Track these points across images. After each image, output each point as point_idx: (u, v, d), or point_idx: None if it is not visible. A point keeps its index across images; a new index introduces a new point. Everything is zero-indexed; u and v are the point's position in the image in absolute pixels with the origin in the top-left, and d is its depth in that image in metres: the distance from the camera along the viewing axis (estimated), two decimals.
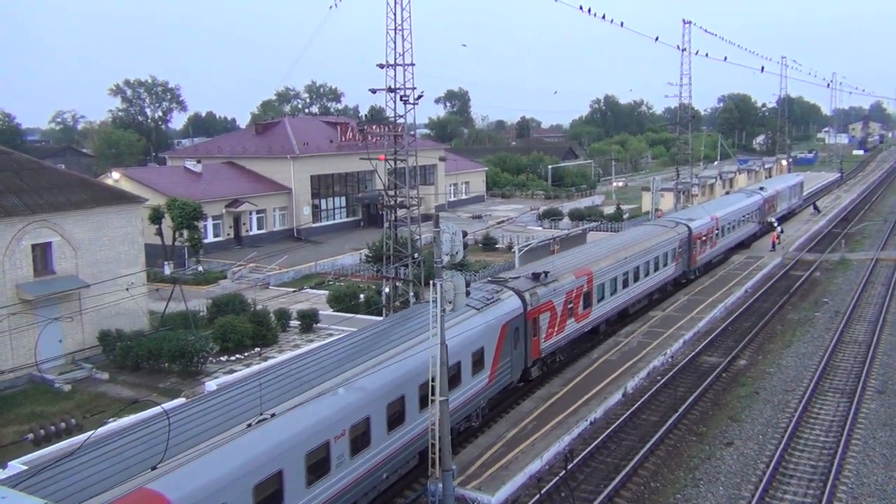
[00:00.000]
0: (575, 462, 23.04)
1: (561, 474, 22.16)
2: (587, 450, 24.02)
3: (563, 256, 35.92)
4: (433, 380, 19.83)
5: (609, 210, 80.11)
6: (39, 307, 32.97)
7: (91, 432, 16.69)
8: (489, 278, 31.52)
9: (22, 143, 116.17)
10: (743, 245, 58.75)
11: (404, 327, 23.41)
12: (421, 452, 21.73)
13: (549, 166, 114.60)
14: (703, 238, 48.13)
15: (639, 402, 27.99)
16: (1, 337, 30.82)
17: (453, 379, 22.55)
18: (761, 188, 68.08)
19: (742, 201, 59.85)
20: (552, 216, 76.43)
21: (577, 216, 75.43)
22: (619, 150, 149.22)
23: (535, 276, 29.62)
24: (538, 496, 20.99)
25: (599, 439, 24.80)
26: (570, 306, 31.22)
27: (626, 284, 36.83)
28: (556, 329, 30.19)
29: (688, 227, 45.98)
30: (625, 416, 26.75)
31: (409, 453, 21.25)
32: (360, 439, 19.02)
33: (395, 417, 20.40)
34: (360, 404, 18.95)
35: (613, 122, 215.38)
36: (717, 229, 51.06)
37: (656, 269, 40.73)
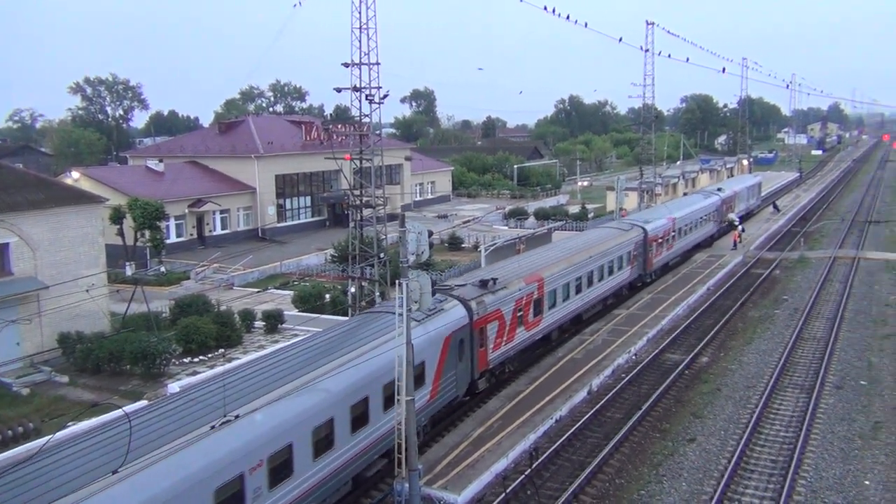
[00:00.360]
0: (540, 460, 23.17)
1: (526, 472, 22.28)
2: (553, 447, 24.17)
3: (513, 262, 34.52)
4: (399, 379, 19.79)
5: (574, 209, 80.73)
6: None
7: (49, 437, 16.38)
8: (434, 287, 30.70)
9: None
10: (700, 247, 58.26)
11: (342, 340, 21.96)
12: (355, 477, 20.93)
13: (515, 166, 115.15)
14: (660, 240, 47.29)
15: (604, 400, 28.23)
16: None
17: (390, 399, 20.97)
18: (719, 189, 67.64)
19: (699, 202, 59.29)
20: (518, 216, 76.79)
21: (542, 215, 75.87)
22: (583, 150, 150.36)
23: (483, 284, 28.38)
24: (504, 494, 21.08)
25: (565, 437, 24.96)
26: (519, 314, 29.93)
27: (578, 290, 35.76)
28: (504, 339, 28.88)
29: (643, 229, 45.07)
30: (590, 413, 26.97)
31: (341, 479, 19.95)
32: (280, 469, 17.52)
33: (324, 442, 18.91)
34: (281, 430, 17.35)
35: (578, 122, 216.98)
36: (674, 231, 50.30)
37: (610, 273, 39.70)
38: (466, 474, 22.09)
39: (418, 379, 22.78)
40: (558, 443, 24.52)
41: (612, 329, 37.09)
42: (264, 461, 16.84)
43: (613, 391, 29.16)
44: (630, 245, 42.81)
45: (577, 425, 25.92)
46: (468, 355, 26.42)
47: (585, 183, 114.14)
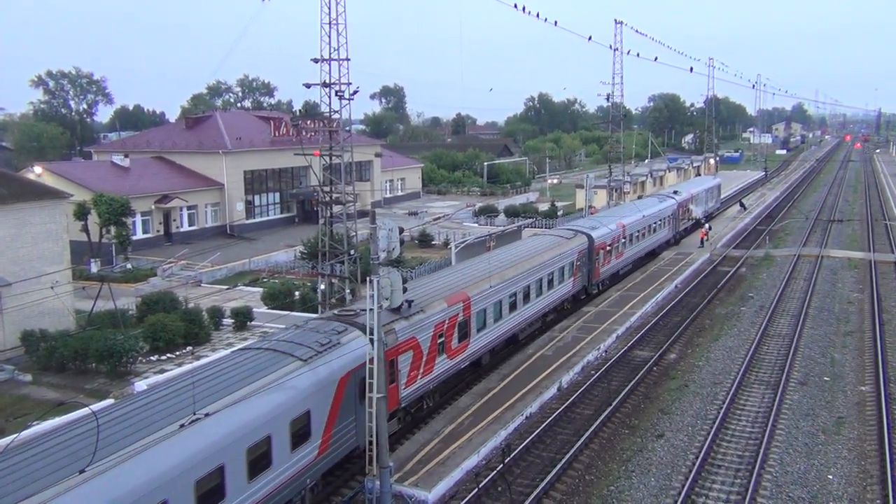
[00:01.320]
0: (511, 456, 23.26)
1: (498, 469, 22.36)
2: (523, 444, 24.29)
3: (434, 280, 30.31)
4: (370, 376, 19.74)
5: (544, 207, 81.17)
6: None
7: (14, 436, 16.07)
8: (335, 312, 25.28)
9: None
10: (654, 254, 55.79)
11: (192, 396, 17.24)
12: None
13: (485, 163, 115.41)
14: (608, 248, 44.21)
15: (573, 397, 28.43)
16: None
17: (258, 462, 17.68)
18: (675, 192, 64.72)
19: (653, 206, 56.18)
20: (488, 213, 77.01)
21: (512, 213, 76.18)
22: (553, 148, 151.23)
23: (395, 309, 24.08)
24: (476, 491, 21.12)
25: (535, 433, 25.11)
26: (440, 341, 26.30)
27: (513, 307, 32.35)
28: (421, 371, 25.18)
29: (588, 236, 41.94)
30: (560, 410, 27.14)
31: None
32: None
33: None
34: None
35: (548, 119, 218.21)
36: (625, 238, 47.31)
37: (550, 286, 36.52)
38: (437, 471, 22.11)
39: (301, 434, 19.29)
40: (529, 439, 24.65)
41: (582, 326, 37.35)
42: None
43: (583, 388, 29.38)
44: (573, 254, 39.57)
45: (547, 422, 26.07)
46: None
47: (555, 180, 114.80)
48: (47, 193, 38.24)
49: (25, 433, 18.74)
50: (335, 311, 25.76)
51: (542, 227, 63.72)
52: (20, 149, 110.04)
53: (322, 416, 20.09)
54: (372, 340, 21.44)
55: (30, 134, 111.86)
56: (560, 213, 76.65)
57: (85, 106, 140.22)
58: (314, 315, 33.31)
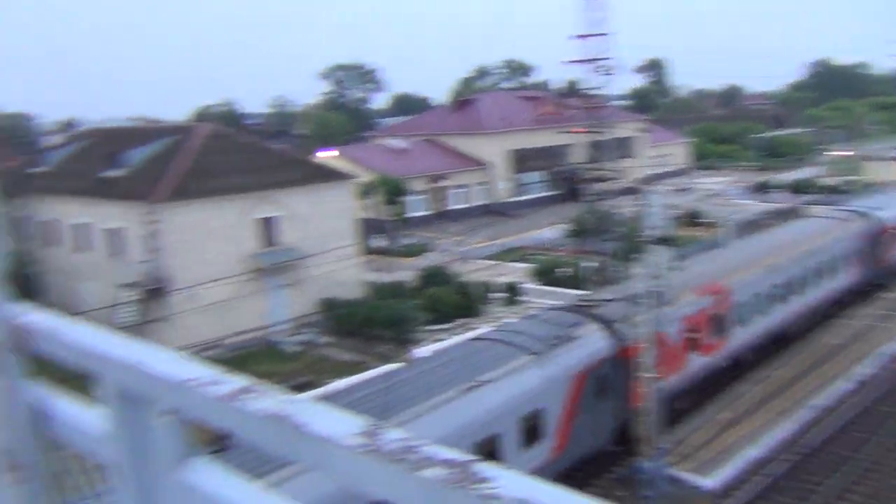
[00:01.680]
0: (800, 451, 21.68)
1: (786, 463, 20.95)
2: (814, 439, 22.49)
3: (686, 267, 26.78)
4: (643, 356, 19.39)
5: (828, 182, 73.99)
6: (267, 276, 35.96)
7: (327, 387, 18.12)
8: (575, 303, 24.23)
9: (242, 127, 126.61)
10: None
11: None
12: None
13: (759, 136, 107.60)
14: None
15: (871, 391, 25.73)
16: (239, 302, 33.95)
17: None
18: None
19: None
20: (763, 189, 71.89)
21: (791, 189, 70.38)
22: (837, 117, 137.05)
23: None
24: (762, 484, 19.97)
25: (828, 429, 23.11)
26: (692, 336, 24.30)
27: (777, 301, 28.93)
28: (670, 368, 22.83)
29: (872, 217, 36.59)
30: (855, 404, 24.72)
31: None
32: None
33: None
34: None
35: (830, 85, 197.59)
36: None
37: (824, 276, 32.43)
38: (716, 459, 21.28)
39: (532, 431, 18.65)
40: (822, 435, 22.75)
41: (876, 314, 33.58)
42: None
43: (883, 381, 26.46)
44: (850, 239, 34.95)
45: (840, 417, 23.88)
46: (614, 394, 21.06)
47: (841, 153, 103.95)
48: (338, 175, 42.08)
49: (328, 388, 21.04)
50: (576, 301, 24.95)
51: (823, 206, 58.00)
52: (313, 135, 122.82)
53: (555, 413, 19.33)
54: (613, 329, 21.58)
55: (321, 122, 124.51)
56: (846, 189, 69.34)
57: (362, 94, 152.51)
58: (578, 291, 33.38)
